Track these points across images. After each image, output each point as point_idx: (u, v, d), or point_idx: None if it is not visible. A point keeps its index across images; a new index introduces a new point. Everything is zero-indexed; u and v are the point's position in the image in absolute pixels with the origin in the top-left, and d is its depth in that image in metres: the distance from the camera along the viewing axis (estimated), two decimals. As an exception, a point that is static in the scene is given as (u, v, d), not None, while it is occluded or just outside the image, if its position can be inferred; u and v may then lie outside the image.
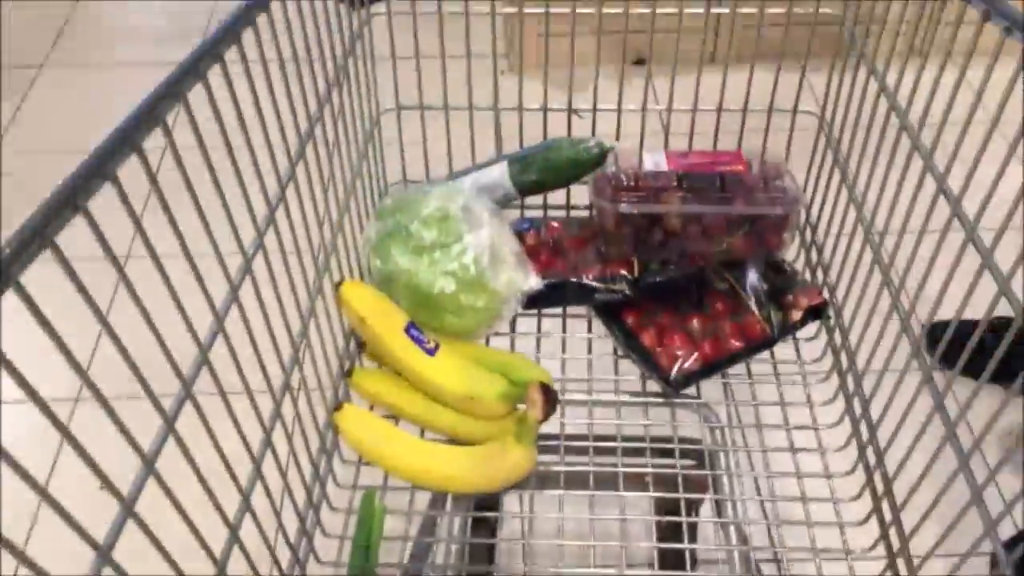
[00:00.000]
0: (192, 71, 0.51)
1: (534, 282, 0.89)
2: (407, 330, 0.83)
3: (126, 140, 0.44)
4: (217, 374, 0.56)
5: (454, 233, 0.85)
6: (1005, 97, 0.61)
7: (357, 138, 0.91)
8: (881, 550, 0.78)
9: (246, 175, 0.58)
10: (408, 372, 0.83)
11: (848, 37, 0.91)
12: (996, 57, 0.62)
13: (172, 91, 0.49)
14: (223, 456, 0.58)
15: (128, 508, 0.46)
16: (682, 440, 0.89)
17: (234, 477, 0.60)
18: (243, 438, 0.61)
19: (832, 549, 0.80)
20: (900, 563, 0.75)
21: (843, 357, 0.91)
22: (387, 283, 0.85)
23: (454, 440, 0.84)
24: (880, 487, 0.79)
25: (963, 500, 0.63)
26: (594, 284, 0.92)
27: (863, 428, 0.84)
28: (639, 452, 0.88)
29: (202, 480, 0.55)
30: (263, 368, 0.63)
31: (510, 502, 0.88)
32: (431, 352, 0.83)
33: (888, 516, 0.78)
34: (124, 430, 0.46)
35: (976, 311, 0.64)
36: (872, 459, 0.81)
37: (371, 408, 0.87)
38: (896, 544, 0.76)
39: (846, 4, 0.91)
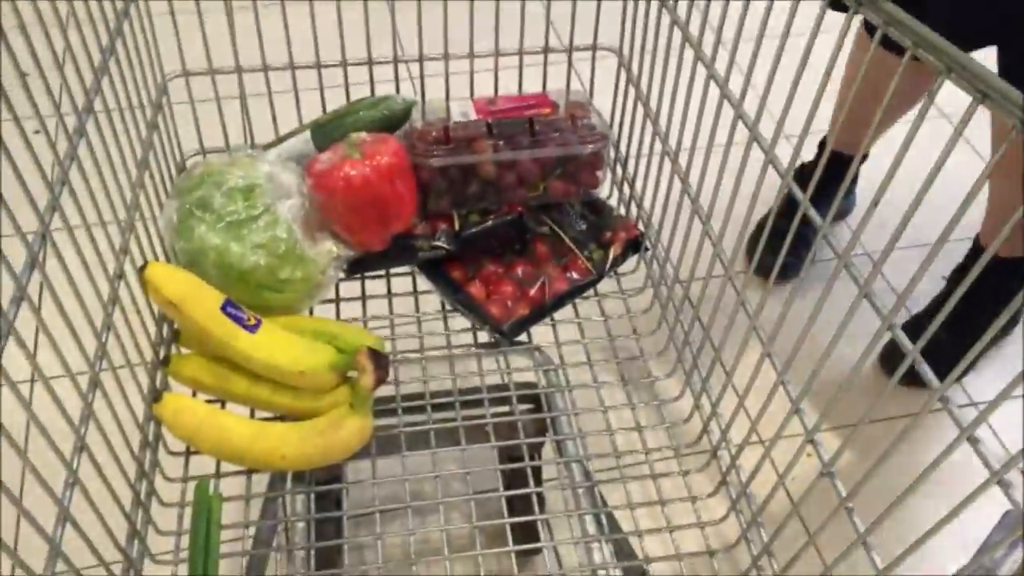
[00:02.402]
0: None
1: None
2: (224, 309, 0.79)
3: None
4: (12, 380, 0.51)
5: (261, 204, 0.81)
6: (791, 15, 0.63)
7: (144, 109, 0.85)
8: (713, 465, 0.81)
9: (20, 160, 0.52)
10: (230, 353, 0.79)
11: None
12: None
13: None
14: (34, 469, 0.53)
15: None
16: (518, 386, 0.90)
17: (47, 487, 0.55)
18: (53, 445, 0.56)
19: (670, 472, 0.83)
20: (727, 467, 0.79)
21: (663, 286, 0.93)
22: (195, 263, 0.80)
23: (287, 417, 0.81)
24: (707, 408, 0.83)
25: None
26: (416, 243, 0.90)
27: (688, 353, 0.87)
28: (477, 403, 0.88)
29: (15, 503, 0.50)
30: (66, 367, 0.58)
31: (353, 472, 0.86)
32: (252, 329, 0.79)
33: (716, 435, 0.82)
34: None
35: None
36: (699, 383, 0.85)
37: (194, 395, 0.82)
38: (723, 449, 0.79)
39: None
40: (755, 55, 0.67)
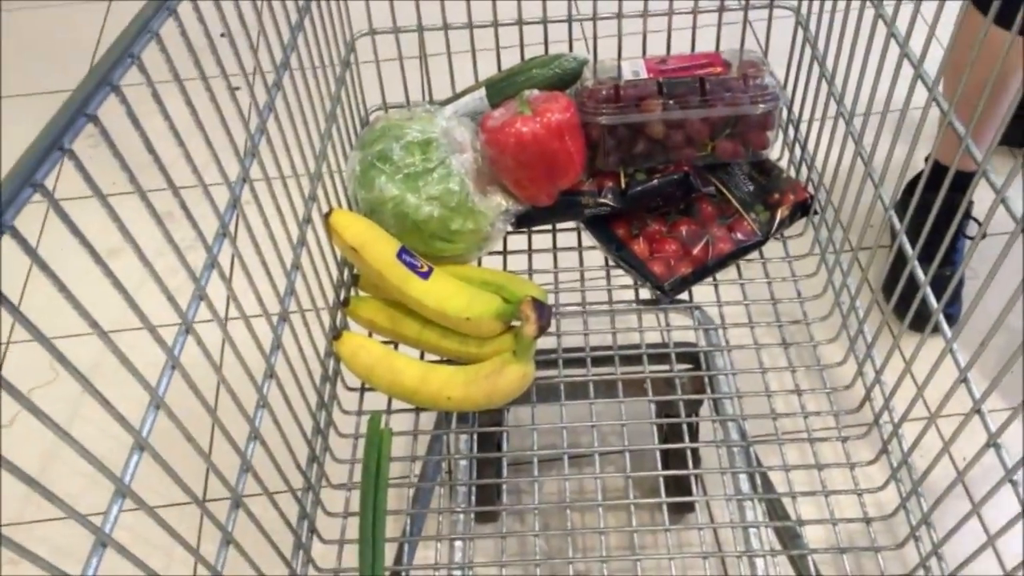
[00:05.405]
0: (163, 6, 0.50)
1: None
2: (399, 256, 0.84)
3: (103, 80, 0.44)
4: (215, 309, 0.57)
5: (437, 158, 0.85)
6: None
7: (334, 65, 0.91)
8: (874, 432, 0.80)
9: (225, 110, 0.58)
10: (404, 297, 0.84)
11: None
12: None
13: (144, 28, 0.48)
14: (229, 388, 0.59)
15: (142, 444, 0.48)
16: (677, 344, 0.91)
17: (241, 408, 0.61)
18: (247, 370, 0.62)
19: (829, 438, 0.83)
20: (888, 435, 0.78)
21: (829, 251, 0.92)
22: (374, 212, 0.86)
23: (454, 360, 0.85)
24: (871, 375, 0.81)
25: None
26: (582, 199, 0.92)
27: (852, 319, 0.86)
28: (636, 359, 0.89)
29: (212, 414, 0.56)
30: (260, 301, 0.64)
31: (514, 417, 0.90)
32: (425, 276, 0.84)
33: (879, 402, 0.80)
34: (133, 369, 0.47)
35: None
36: (863, 349, 0.83)
37: (370, 335, 0.88)
38: (885, 418, 0.78)
39: None
40: (938, 13, 0.64)
